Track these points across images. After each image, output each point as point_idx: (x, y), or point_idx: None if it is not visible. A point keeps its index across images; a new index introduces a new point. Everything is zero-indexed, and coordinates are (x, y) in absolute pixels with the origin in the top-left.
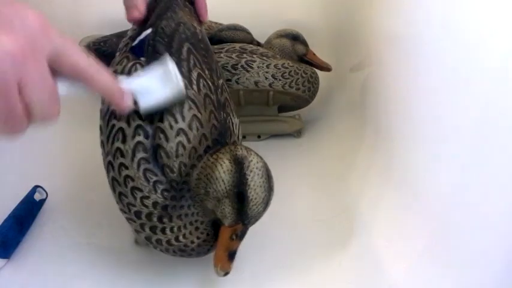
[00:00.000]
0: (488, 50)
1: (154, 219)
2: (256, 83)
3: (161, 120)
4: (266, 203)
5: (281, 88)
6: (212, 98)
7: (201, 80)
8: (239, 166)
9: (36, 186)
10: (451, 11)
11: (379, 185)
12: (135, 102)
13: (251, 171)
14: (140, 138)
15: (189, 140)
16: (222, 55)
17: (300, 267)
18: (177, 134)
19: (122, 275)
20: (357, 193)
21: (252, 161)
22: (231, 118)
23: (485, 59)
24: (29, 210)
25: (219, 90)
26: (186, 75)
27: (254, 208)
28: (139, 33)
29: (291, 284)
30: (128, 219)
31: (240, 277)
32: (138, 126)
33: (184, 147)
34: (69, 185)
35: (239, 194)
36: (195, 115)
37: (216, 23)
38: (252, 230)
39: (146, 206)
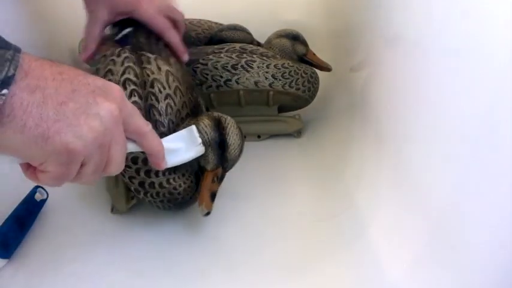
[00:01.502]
0: (489, 51)
1: (149, 163)
2: (256, 83)
3: (152, 87)
4: (241, 148)
5: (281, 88)
6: (185, 79)
7: (176, 65)
8: (217, 122)
9: (37, 187)
10: (451, 11)
11: (379, 184)
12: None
13: (228, 124)
14: (136, 98)
15: (175, 103)
16: (222, 55)
17: (300, 267)
18: (166, 98)
19: (123, 271)
20: (357, 193)
21: (227, 118)
22: (200, 99)
23: (486, 59)
24: (29, 211)
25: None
26: (166, 61)
27: (232, 152)
28: (120, 31)
29: (291, 284)
30: (125, 166)
31: (240, 277)
32: (133, 90)
33: (171, 108)
34: (70, 185)
35: (220, 143)
36: (177, 86)
37: (216, 23)
38: (253, 230)
39: (143, 152)
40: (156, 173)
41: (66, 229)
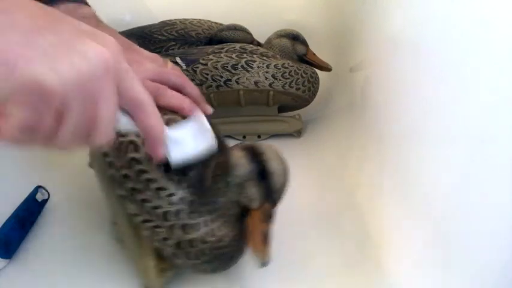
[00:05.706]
0: (489, 50)
1: (184, 215)
2: (256, 83)
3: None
4: (286, 174)
5: (281, 88)
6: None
7: None
8: (251, 151)
9: (38, 187)
10: (452, 11)
11: (379, 184)
12: (167, 154)
13: (264, 149)
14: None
15: None
16: (222, 55)
17: (300, 267)
18: None
19: (124, 273)
20: (356, 193)
21: (261, 144)
22: (221, 134)
23: (486, 58)
24: (30, 211)
25: None
26: None
27: (277, 179)
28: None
29: (290, 284)
30: (154, 227)
31: (239, 276)
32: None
33: None
34: (71, 185)
35: (260, 172)
36: None
37: (216, 23)
38: None
39: (174, 204)
40: (196, 226)
41: (67, 229)
